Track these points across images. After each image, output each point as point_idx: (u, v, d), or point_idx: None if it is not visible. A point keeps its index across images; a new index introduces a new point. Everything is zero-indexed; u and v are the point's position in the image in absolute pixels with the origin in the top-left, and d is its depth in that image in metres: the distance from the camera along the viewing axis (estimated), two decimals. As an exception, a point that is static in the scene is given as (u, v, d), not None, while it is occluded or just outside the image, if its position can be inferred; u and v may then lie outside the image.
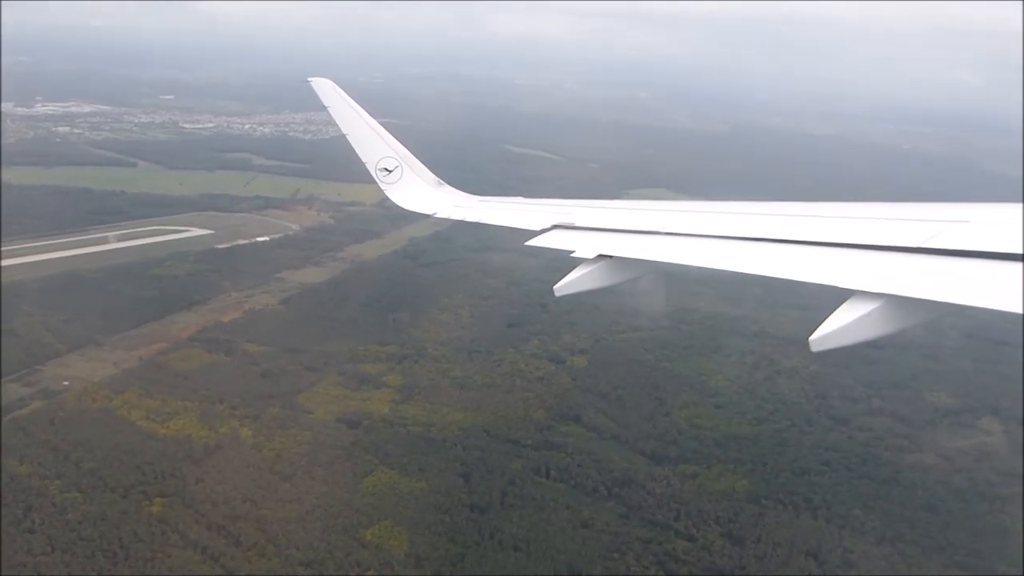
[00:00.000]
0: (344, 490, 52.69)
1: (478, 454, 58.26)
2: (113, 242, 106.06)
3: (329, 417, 62.46)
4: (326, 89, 19.38)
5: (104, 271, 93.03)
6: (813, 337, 8.54)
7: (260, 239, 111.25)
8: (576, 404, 67.29)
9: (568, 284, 12.13)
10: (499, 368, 73.28)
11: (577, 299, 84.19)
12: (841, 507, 56.13)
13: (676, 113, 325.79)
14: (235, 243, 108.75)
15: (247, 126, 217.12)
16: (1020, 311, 7.39)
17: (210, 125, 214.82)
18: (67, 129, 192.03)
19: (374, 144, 18.65)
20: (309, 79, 19.56)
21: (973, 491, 59.86)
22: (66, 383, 65.72)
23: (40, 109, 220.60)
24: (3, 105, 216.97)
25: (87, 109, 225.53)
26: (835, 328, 8.50)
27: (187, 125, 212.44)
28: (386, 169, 18.54)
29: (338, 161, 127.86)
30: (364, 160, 18.69)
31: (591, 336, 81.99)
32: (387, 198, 18.82)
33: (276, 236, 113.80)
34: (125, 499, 50.15)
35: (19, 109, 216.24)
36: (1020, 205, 9.24)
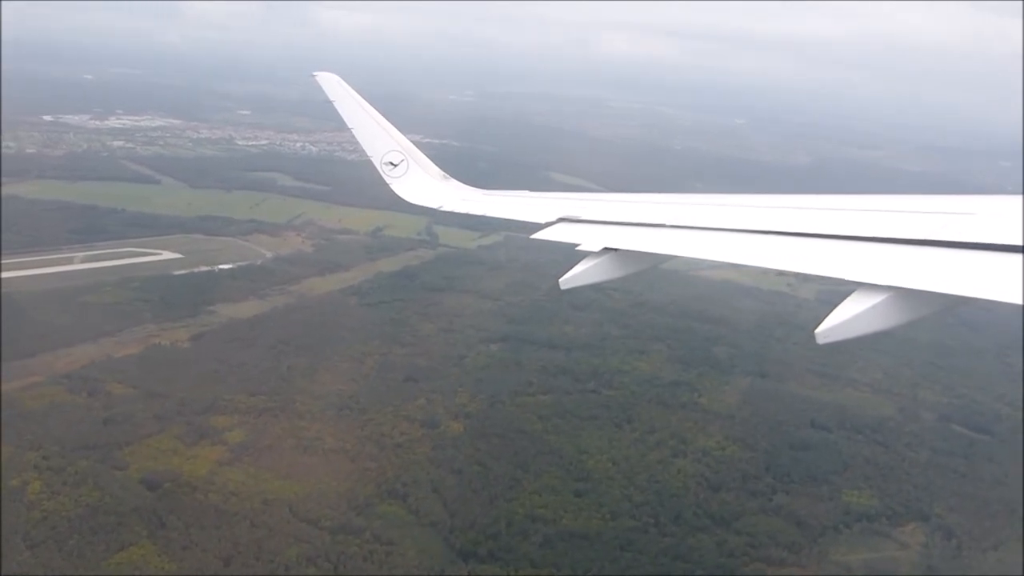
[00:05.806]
0: (84, 566, 48.92)
1: (262, 534, 53.46)
2: (77, 263, 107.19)
3: (136, 476, 59.04)
4: (331, 83, 19.18)
5: (40, 294, 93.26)
6: (819, 329, 8.33)
7: (222, 267, 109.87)
8: (414, 480, 61.39)
9: (573, 277, 12.08)
10: (361, 430, 68.19)
11: (503, 353, 77.11)
12: (646, 637, 48.37)
13: (763, 141, 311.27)
14: (193, 270, 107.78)
15: (298, 144, 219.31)
16: None
17: (263, 143, 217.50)
18: (121, 143, 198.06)
19: (379, 139, 18.59)
20: (315, 74, 19.50)
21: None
22: (-93, 418, 65.04)
23: (112, 122, 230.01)
24: (77, 117, 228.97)
25: (156, 123, 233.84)
26: (841, 320, 8.32)
27: (241, 142, 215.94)
28: (391, 163, 18.44)
29: (360, 183, 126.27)
30: (369, 155, 18.63)
31: (489, 397, 75.78)
32: (393, 193, 18.50)
33: (241, 264, 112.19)
34: None
35: (92, 122, 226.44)
36: None
